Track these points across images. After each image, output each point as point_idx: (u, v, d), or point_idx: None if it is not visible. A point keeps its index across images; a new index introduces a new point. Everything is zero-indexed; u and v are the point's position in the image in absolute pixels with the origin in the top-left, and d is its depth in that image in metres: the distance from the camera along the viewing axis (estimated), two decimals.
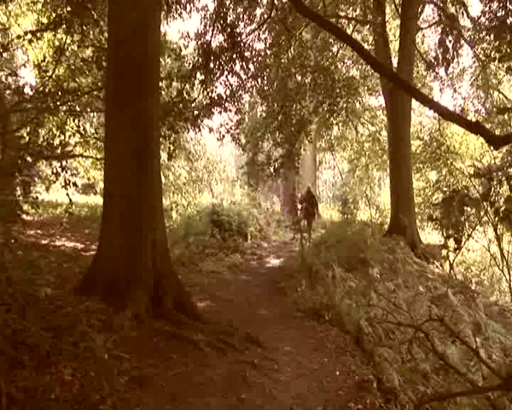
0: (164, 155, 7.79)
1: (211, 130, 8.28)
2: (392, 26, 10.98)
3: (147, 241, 3.56)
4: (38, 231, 7.26)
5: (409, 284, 5.58)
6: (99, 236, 3.78)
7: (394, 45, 10.18)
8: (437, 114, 6.89)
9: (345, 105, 8.83)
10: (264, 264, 7.76)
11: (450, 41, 6.43)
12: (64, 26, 6.06)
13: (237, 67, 7.67)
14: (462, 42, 7.88)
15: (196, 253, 7.30)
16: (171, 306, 3.50)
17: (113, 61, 3.72)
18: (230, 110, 8.09)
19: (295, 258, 7.25)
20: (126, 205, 3.57)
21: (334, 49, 9.71)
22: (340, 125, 12.54)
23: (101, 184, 10.32)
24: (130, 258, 3.49)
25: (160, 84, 5.70)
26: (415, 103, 9.64)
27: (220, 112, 7.84)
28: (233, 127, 8.48)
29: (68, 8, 5.99)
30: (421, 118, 13.51)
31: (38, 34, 6.32)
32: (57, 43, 6.97)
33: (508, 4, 5.35)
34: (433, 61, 7.56)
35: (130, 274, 3.42)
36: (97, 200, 11.96)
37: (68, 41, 6.53)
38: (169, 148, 7.33)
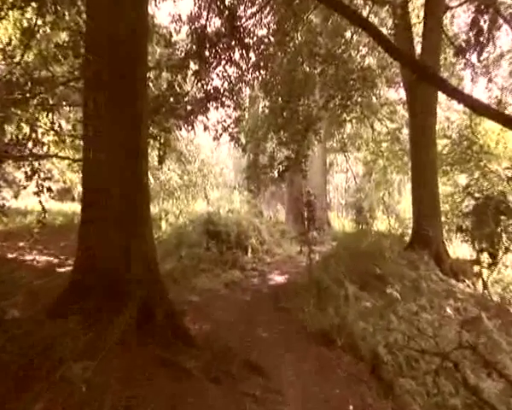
0: (152, 157, 7.84)
1: (206, 128, 8.36)
2: (416, 6, 10.92)
3: (132, 253, 3.60)
4: (4, 244, 7.29)
5: (434, 306, 5.57)
6: (76, 248, 3.81)
7: (418, 29, 10.19)
8: (468, 108, 6.91)
9: (359, 99, 8.89)
10: (266, 281, 7.79)
11: (484, 21, 6.35)
12: (34, 4, 5.96)
13: (236, 56, 7.78)
14: (500, 21, 7.72)
15: (189, 268, 7.35)
16: (160, 328, 3.51)
17: (92, 47, 3.79)
18: (228, 106, 8.18)
19: (302, 274, 7.29)
20: (109, 212, 3.62)
21: (348, 34, 9.79)
22: (354, 122, 12.64)
23: (80, 189, 10.39)
24: (113, 273, 3.53)
25: (148, 74, 5.80)
26: (441, 96, 9.62)
27: (217, 107, 7.92)
28: (231, 125, 8.55)
29: None
30: (448, 113, 13.51)
31: (3, 13, 6.14)
32: (26, 24, 6.82)
33: None
34: (463, 45, 7.53)
35: (113, 291, 3.46)
36: (74, 207, 12.03)
37: (39, 22, 6.40)
38: (158, 149, 7.38)
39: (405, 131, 13.06)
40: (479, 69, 9.76)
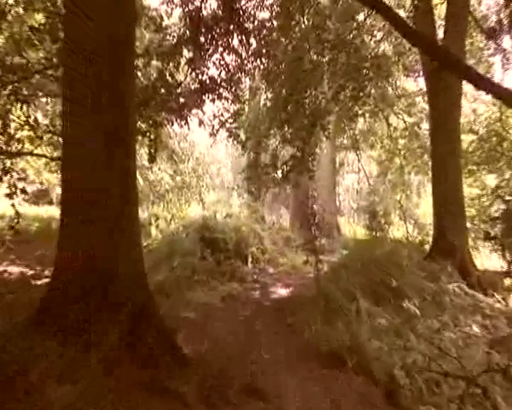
0: (140, 155, 7.88)
1: (201, 123, 8.41)
2: None
3: (118, 264, 3.64)
4: None
5: (459, 323, 5.57)
6: (54, 258, 3.83)
7: (440, 11, 10.23)
8: (497, 99, 6.85)
9: (373, 90, 8.95)
10: (268, 294, 7.81)
11: None
12: None
13: (235, 43, 7.84)
14: None
15: (182, 279, 7.40)
16: (150, 347, 3.54)
17: (72, 31, 3.81)
18: (226, 98, 8.23)
19: (308, 286, 7.30)
20: (91, 218, 3.64)
21: (360, 18, 9.83)
22: (367, 116, 12.64)
23: (59, 191, 10.41)
24: (96, 286, 3.54)
25: (136, 62, 5.84)
26: (467, 86, 9.61)
27: (213, 100, 7.98)
28: (229, 120, 8.61)
29: None
30: (475, 105, 13.50)
31: None
32: None
33: None
34: (493, 27, 7.45)
35: (97, 307, 3.48)
36: (52, 211, 12.06)
37: (11, 1, 6.47)
38: (148, 146, 7.43)
39: (425, 125, 13.09)
40: (511, 55, 9.68)
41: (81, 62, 3.67)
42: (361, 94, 8.56)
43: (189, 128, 8.39)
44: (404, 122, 14.72)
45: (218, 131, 8.65)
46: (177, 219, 11.66)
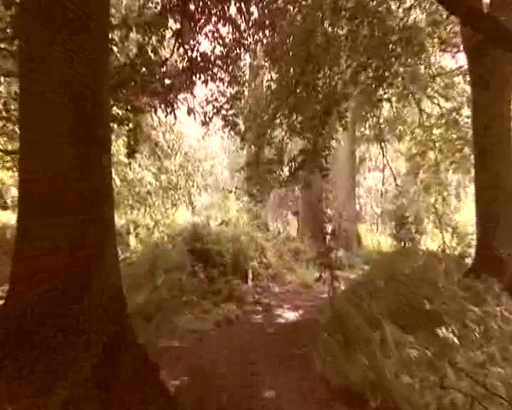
0: (117, 148, 7.87)
1: (191, 110, 8.41)
2: None
3: (88, 282, 3.62)
4: None
5: (509, 355, 5.53)
6: (10, 275, 3.79)
7: None
8: None
9: (402, 69, 8.90)
10: (273, 318, 7.84)
11: None
12: None
13: (232, 11, 7.83)
14: None
15: (168, 301, 7.43)
16: (126, 385, 3.51)
17: None
18: (221, 79, 8.24)
19: (322, 309, 7.32)
20: (55, 225, 3.62)
21: None
22: (395, 100, 12.63)
23: (15, 192, 10.41)
24: (61, 311, 3.52)
25: (111, 35, 5.82)
26: None
27: (205, 81, 7.99)
28: (226, 106, 8.60)
29: None
30: None
31: None
32: None
33: None
34: None
35: (62, 337, 3.45)
36: (7, 217, 12.04)
37: None
38: (127, 137, 7.43)
39: (466, 112, 13.03)
40: None
41: (43, 33, 3.64)
42: (386, 74, 8.54)
43: (175, 116, 8.38)
44: (440, 108, 14.68)
45: (211, 119, 8.66)
46: (162, 227, 11.67)
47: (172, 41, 7.86)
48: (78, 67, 3.73)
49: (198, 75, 7.80)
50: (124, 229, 10.96)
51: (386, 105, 13.26)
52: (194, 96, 8.33)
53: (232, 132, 9.23)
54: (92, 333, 3.54)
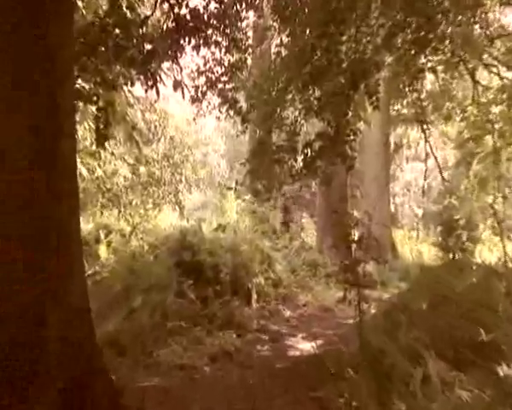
0: (83, 133, 7.87)
1: (178, 84, 8.41)
2: None
3: (46, 307, 3.62)
4: None
5: None
6: None
7: None
8: None
9: (449, 29, 8.86)
10: (283, 351, 7.83)
11: None
12: None
13: None
14: None
15: (148, 328, 7.38)
16: None
17: None
18: (217, 43, 8.22)
19: (346, 339, 7.30)
20: (3, 234, 3.61)
21: None
22: (441, 70, 12.57)
23: None
24: (13, 344, 3.52)
25: None
26: None
27: (197, 47, 7.96)
28: (223, 78, 8.58)
29: None
30: None
31: None
32: None
33: None
34: None
35: (14, 378, 3.46)
36: None
37: None
38: (95, 119, 7.42)
39: None
40: None
41: None
42: (430, 36, 8.48)
43: (158, 91, 8.35)
44: (501, 78, 14.51)
45: (204, 95, 8.64)
46: (141, 233, 11.65)
47: None
48: (31, 31, 3.73)
49: (187, 38, 7.77)
50: (92, 236, 10.93)
51: (429, 76, 13.18)
52: (182, 68, 8.31)
53: (231, 112, 9.22)
54: (52, 374, 3.53)
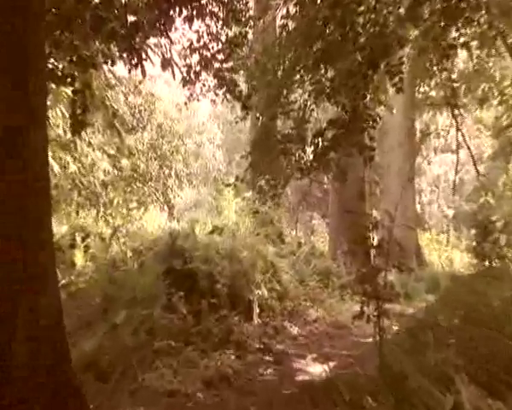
0: (55, 119, 7.88)
1: (167, 62, 8.41)
2: None
3: (15, 323, 3.62)
4: None
5: None
6: None
7: None
8: None
9: None
10: (290, 374, 7.83)
11: None
12: None
13: None
14: None
15: (131, 349, 7.37)
16: None
17: None
18: (214, 15, 8.23)
19: (364, 360, 7.34)
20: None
21: None
22: (475, 46, 12.56)
23: None
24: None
25: None
26: None
27: (190, 19, 7.96)
28: (219, 56, 8.59)
29: None
30: None
31: None
32: None
33: None
34: None
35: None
36: None
37: None
38: (71, 103, 7.43)
39: None
40: None
41: None
42: (462, 5, 8.46)
43: (144, 71, 8.35)
44: None
45: (198, 76, 8.64)
46: (123, 237, 11.66)
47: None
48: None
49: (178, 9, 7.77)
50: (66, 240, 10.92)
51: (461, 53, 13.17)
52: (172, 43, 8.31)
53: (229, 95, 9.22)
54: (20, 401, 3.52)
